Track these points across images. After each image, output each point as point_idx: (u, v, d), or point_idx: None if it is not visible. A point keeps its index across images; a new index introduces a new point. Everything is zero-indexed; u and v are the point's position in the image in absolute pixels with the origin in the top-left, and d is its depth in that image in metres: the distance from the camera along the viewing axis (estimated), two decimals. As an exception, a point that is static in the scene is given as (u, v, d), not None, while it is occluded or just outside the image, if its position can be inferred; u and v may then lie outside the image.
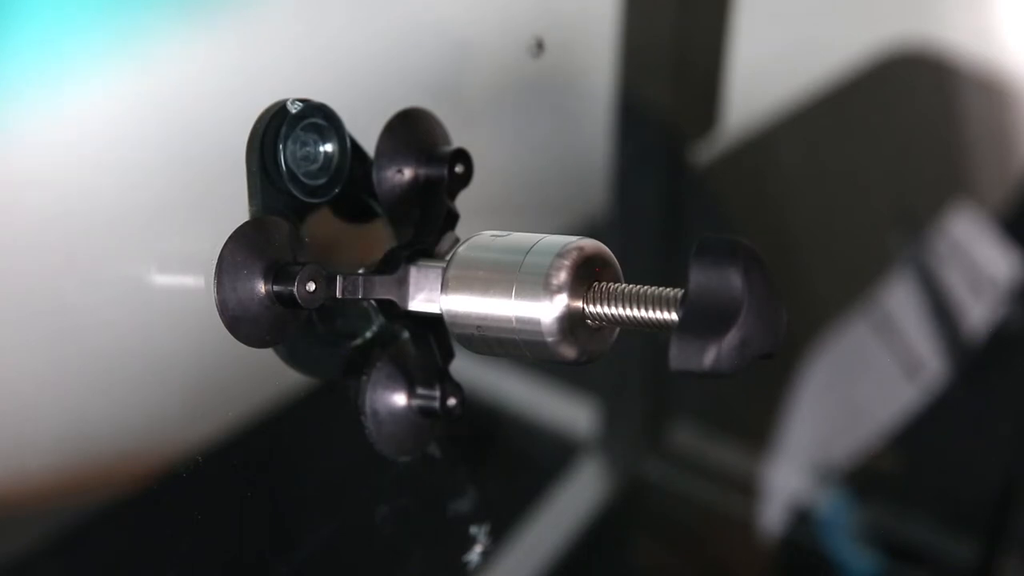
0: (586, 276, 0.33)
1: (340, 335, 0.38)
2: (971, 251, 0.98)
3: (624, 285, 0.32)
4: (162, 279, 0.40)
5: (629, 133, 0.75)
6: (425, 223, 0.37)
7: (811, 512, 0.87)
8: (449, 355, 0.38)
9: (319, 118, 0.36)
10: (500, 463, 0.80)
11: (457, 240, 0.37)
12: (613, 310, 0.32)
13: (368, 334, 0.38)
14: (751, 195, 0.92)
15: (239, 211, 0.35)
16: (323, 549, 0.44)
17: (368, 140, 0.37)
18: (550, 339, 0.32)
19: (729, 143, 0.87)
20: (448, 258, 0.35)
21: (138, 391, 0.45)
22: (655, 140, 0.78)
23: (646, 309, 0.32)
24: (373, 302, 0.37)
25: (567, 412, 0.89)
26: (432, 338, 0.37)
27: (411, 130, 0.37)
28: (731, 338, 0.29)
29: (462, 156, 0.38)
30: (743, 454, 0.91)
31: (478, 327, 0.34)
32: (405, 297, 0.36)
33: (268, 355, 0.35)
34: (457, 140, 0.39)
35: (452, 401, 0.37)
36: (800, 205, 0.96)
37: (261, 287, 0.33)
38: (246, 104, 0.35)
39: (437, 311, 0.35)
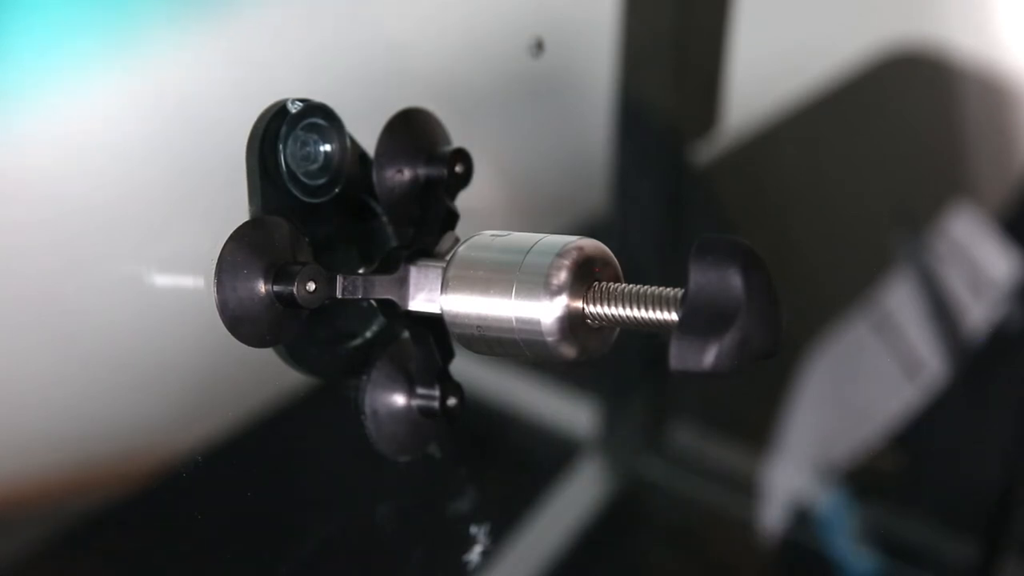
0: (586, 276, 0.33)
1: (340, 335, 0.38)
2: (971, 251, 0.98)
3: (624, 285, 0.32)
4: (162, 279, 0.40)
5: (629, 133, 0.75)
6: (425, 223, 0.37)
7: (811, 512, 0.87)
8: (449, 355, 0.38)
9: (319, 118, 0.36)
10: (500, 463, 0.80)
11: (457, 240, 0.37)
12: (613, 310, 0.32)
13: (368, 334, 0.38)
14: (751, 195, 0.92)
15: (239, 211, 0.35)
16: (323, 549, 0.44)
17: (368, 140, 0.37)
18: (550, 339, 0.32)
19: (729, 143, 0.87)
20: (448, 258, 0.35)
21: (138, 391, 0.45)
22: (655, 140, 0.78)
23: (646, 309, 0.32)
24: (373, 302, 0.37)
25: (567, 412, 0.89)
26: (432, 338, 0.37)
27: (411, 130, 0.37)
28: (731, 338, 0.29)
29: (462, 156, 0.38)
30: (743, 454, 0.91)
31: (478, 327, 0.34)
32: (405, 297, 0.36)
33: (268, 355, 0.35)
34: (457, 140, 0.39)
35: (452, 401, 0.37)
36: (800, 205, 0.96)
37: (261, 287, 0.33)
38: (246, 104, 0.35)
39: (437, 311, 0.35)
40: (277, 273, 0.33)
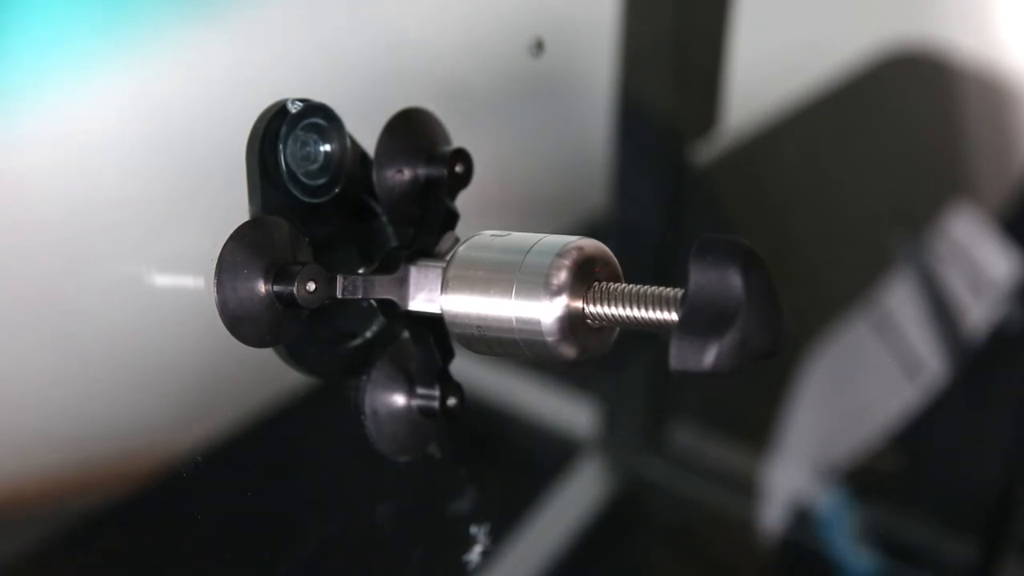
0: (586, 276, 0.33)
1: (340, 335, 0.38)
2: (971, 251, 0.98)
3: (624, 285, 0.32)
4: (162, 279, 0.40)
5: (629, 133, 0.75)
6: (425, 223, 0.37)
7: (811, 512, 0.87)
8: (449, 355, 0.38)
9: (319, 118, 0.36)
10: (500, 463, 0.80)
11: (457, 240, 0.37)
12: (613, 310, 0.32)
13: (368, 334, 0.38)
14: (751, 195, 0.92)
15: (239, 211, 0.35)
16: (323, 549, 0.44)
17: (368, 140, 0.37)
18: (550, 339, 0.32)
19: (729, 143, 0.87)
20: (448, 258, 0.35)
21: (139, 391, 0.45)
22: (655, 140, 0.78)
23: (646, 309, 0.32)
24: (373, 302, 0.37)
25: (567, 412, 0.89)
26: (432, 338, 0.37)
27: (411, 130, 0.37)
28: (731, 338, 0.29)
29: (462, 156, 0.38)
30: (743, 454, 0.91)
31: (478, 327, 0.34)
32: (405, 297, 0.36)
33: (268, 355, 0.35)
34: (457, 140, 0.39)
35: (452, 401, 0.37)
36: (800, 205, 0.96)
37: (261, 287, 0.33)
38: (246, 104, 0.35)
39: (437, 311, 0.35)
40: (277, 273, 0.33)
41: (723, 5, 0.77)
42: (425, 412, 0.37)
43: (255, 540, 0.42)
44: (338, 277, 0.35)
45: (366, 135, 0.37)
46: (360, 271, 0.37)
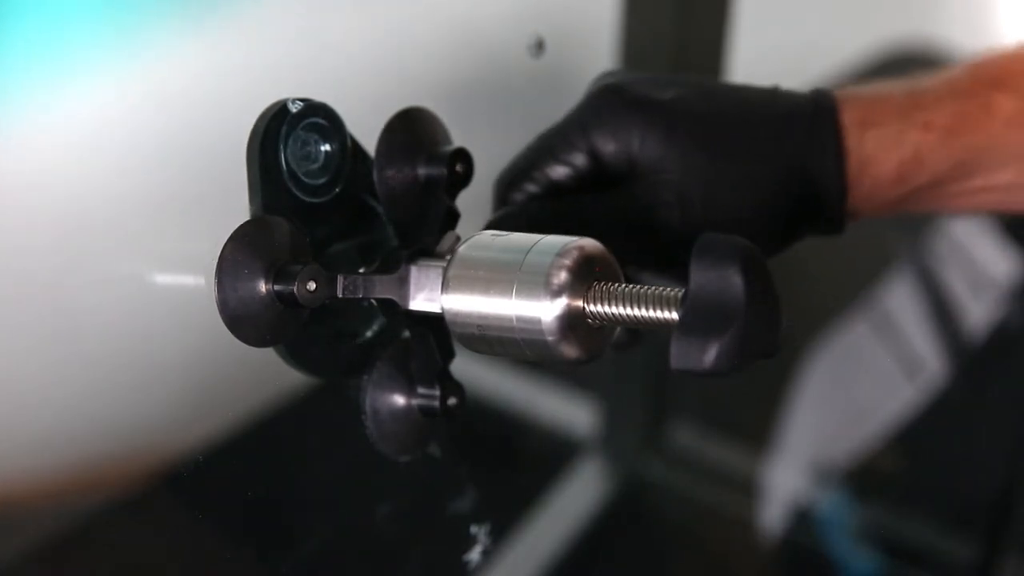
0: (586, 276, 0.33)
1: (341, 334, 0.38)
2: (971, 251, 0.98)
3: (624, 285, 0.32)
4: (163, 279, 0.40)
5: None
6: (425, 222, 0.37)
7: (811, 512, 0.87)
8: (449, 354, 0.38)
9: (320, 118, 0.36)
10: (500, 463, 0.80)
11: (458, 239, 0.37)
12: (614, 309, 0.32)
13: (369, 334, 0.38)
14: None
15: (240, 211, 0.35)
16: (324, 548, 0.44)
17: (368, 140, 0.37)
18: (551, 338, 0.32)
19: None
20: (449, 257, 0.35)
21: (139, 391, 0.45)
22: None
23: (647, 309, 0.32)
24: (374, 301, 0.37)
25: (567, 412, 0.89)
26: (432, 337, 0.37)
27: (411, 130, 0.37)
28: (731, 338, 0.29)
29: (462, 155, 0.38)
30: (743, 454, 0.91)
31: (479, 326, 0.34)
32: (406, 296, 0.36)
33: (268, 355, 0.35)
34: (457, 140, 0.39)
35: (452, 400, 0.37)
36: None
37: (262, 286, 0.33)
38: (247, 104, 0.35)
39: (438, 310, 0.35)
40: (278, 273, 0.33)
41: (723, 5, 0.77)
42: (426, 412, 0.37)
43: (255, 540, 0.42)
44: (338, 277, 0.34)
45: (366, 135, 0.37)
46: (360, 271, 0.37)
